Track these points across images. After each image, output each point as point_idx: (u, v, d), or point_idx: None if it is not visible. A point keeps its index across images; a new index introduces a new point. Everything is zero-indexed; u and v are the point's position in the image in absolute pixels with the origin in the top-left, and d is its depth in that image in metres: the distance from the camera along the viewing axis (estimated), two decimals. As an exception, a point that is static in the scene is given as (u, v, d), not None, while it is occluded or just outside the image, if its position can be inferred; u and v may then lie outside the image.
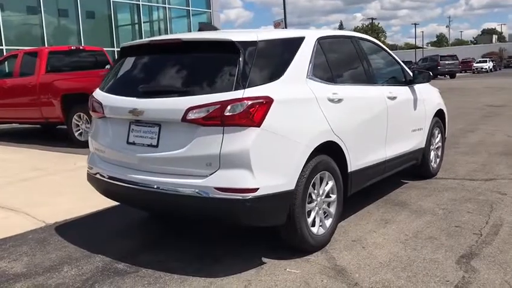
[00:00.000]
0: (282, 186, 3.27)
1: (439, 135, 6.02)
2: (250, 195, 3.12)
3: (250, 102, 3.12)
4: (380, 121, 4.52)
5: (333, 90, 3.85)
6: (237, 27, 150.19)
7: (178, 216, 4.22)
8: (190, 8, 26.20)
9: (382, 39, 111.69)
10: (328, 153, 3.72)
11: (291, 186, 3.33)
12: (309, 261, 3.54)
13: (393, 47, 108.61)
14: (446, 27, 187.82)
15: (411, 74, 5.34)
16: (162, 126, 3.39)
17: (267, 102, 3.19)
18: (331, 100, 3.80)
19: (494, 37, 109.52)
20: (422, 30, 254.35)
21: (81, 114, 9.15)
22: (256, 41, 3.39)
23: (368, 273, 3.30)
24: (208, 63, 3.44)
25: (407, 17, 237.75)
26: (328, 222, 3.81)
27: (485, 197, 4.99)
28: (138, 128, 3.52)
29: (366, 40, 4.86)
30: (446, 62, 41.36)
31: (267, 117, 3.19)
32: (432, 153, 5.85)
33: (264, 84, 3.27)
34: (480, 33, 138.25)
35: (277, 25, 29.91)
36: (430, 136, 5.66)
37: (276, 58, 3.54)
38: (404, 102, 5.04)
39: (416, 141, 5.34)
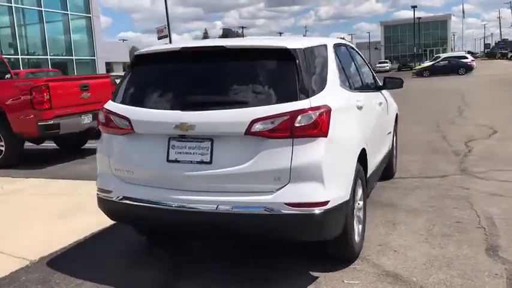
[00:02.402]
0: (343, 196, 3.22)
1: (395, 137, 6.41)
2: (322, 208, 3.02)
3: (318, 112, 3.02)
4: (378, 126, 4.67)
5: (356, 98, 3.89)
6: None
7: (235, 236, 3.82)
8: (68, 12, 24.35)
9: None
10: (360, 161, 3.74)
11: (348, 196, 3.28)
12: (358, 270, 3.52)
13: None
14: (303, 36, 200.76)
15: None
16: (214, 141, 3.11)
17: (328, 111, 3.11)
18: (358, 108, 3.84)
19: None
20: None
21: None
22: (303, 49, 3.29)
23: (422, 276, 3.38)
24: (262, 71, 3.24)
25: (265, 26, 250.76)
26: (360, 229, 3.82)
27: (455, 192, 5.43)
28: (182, 144, 3.18)
29: (352, 48, 4.98)
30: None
31: (330, 126, 3.10)
32: (395, 154, 6.20)
33: (319, 92, 3.18)
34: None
35: (160, 31, 29.24)
36: (396, 137, 5.99)
37: (318, 66, 3.47)
38: (383, 107, 5.27)
39: (389, 143, 5.62)
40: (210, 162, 3.10)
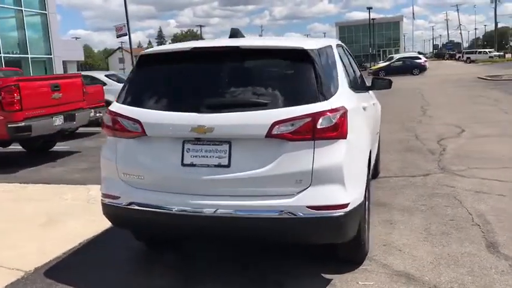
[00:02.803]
0: (360, 198, 3.22)
1: (379, 136, 6.50)
2: (343, 211, 3.01)
3: (338, 114, 3.01)
4: (374, 126, 4.72)
5: (361, 99, 3.91)
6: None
7: (254, 241, 3.75)
8: (22, 9, 23.29)
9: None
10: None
11: (363, 197, 3.29)
12: (369, 271, 3.54)
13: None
14: (259, 35, 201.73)
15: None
16: (232, 144, 3.03)
17: (345, 112, 3.10)
18: (364, 108, 3.86)
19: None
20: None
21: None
22: (317, 49, 3.26)
23: (433, 275, 3.43)
24: (279, 72, 3.19)
25: (219, 25, 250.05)
26: (367, 229, 3.84)
27: (442, 190, 5.56)
28: (197, 147, 3.08)
29: (347, 48, 5.01)
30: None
31: (348, 128, 3.09)
32: (379, 153, 6.29)
33: (335, 93, 3.17)
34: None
35: (119, 29, 28.55)
36: (379, 137, 6.08)
37: (330, 67, 3.45)
38: (376, 108, 5.33)
39: (377, 143, 5.69)
40: (229, 166, 3.03)
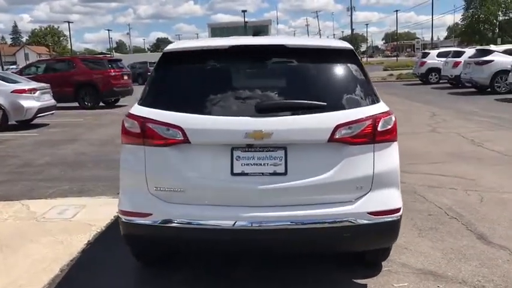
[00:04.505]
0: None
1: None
2: (399, 214, 2.98)
3: (393, 116, 2.96)
4: None
5: None
6: None
7: (313, 252, 3.50)
8: None
9: (65, 43, 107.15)
10: None
11: None
12: (393, 272, 3.56)
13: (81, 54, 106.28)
14: (127, 34, 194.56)
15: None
16: (288, 149, 2.80)
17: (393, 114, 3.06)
18: None
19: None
20: (95, 35, 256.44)
21: None
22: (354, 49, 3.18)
23: (454, 270, 3.56)
24: (329, 72, 3.02)
25: (80, 22, 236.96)
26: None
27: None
28: (249, 155, 2.80)
29: None
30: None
31: None
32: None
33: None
34: (155, 41, 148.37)
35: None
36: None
37: None
38: None
39: None
40: (285, 174, 2.80)
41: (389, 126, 2.90)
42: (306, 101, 2.83)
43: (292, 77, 3.05)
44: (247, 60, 3.09)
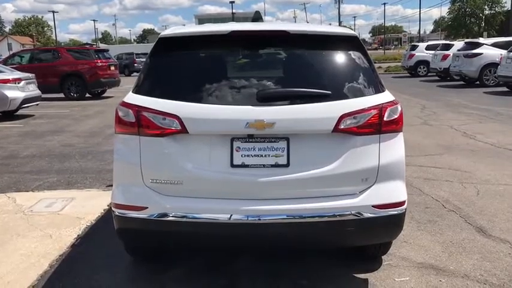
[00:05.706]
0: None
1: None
2: (404, 208, 2.88)
3: (399, 105, 2.86)
4: None
5: None
6: None
7: (314, 246, 3.36)
8: None
9: (49, 34, 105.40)
10: None
11: None
12: (394, 266, 3.48)
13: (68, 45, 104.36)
14: (113, 25, 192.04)
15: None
16: (291, 140, 2.68)
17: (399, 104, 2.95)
18: None
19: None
20: (80, 26, 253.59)
21: None
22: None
23: (455, 264, 3.50)
24: (333, 60, 2.90)
25: (64, 13, 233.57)
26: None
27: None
28: (249, 145, 2.67)
29: None
30: (142, 60, 42.87)
31: None
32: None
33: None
34: (141, 32, 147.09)
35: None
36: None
37: None
38: None
39: None
40: (287, 165, 2.68)
41: (396, 116, 2.80)
42: (310, 90, 2.71)
43: (295, 64, 2.92)
44: (248, 47, 2.94)
